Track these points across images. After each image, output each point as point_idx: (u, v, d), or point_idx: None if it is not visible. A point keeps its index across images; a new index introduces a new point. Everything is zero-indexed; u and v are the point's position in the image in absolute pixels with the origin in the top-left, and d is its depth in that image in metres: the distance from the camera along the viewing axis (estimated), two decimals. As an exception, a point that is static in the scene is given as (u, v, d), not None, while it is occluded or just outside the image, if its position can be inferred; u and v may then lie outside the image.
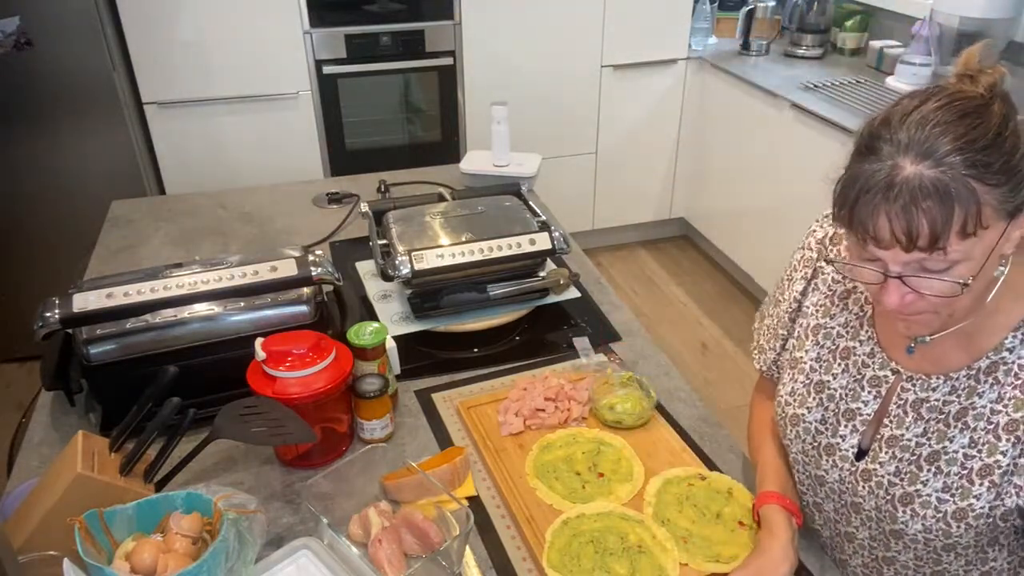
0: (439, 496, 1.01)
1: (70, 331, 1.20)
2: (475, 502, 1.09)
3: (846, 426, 0.99)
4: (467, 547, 1.01)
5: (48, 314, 1.13)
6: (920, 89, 0.81)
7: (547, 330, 1.48)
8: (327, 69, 2.87)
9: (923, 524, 0.91)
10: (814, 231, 1.07)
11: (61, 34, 2.47)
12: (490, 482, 1.13)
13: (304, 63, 2.84)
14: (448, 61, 3.00)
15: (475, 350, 1.42)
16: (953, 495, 0.89)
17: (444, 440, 1.21)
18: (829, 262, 0.85)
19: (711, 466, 1.15)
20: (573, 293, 1.52)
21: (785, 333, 1.11)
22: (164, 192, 2.89)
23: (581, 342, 1.43)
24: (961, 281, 0.77)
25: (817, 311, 1.05)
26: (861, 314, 1.00)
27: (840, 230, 0.81)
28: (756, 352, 1.18)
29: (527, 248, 1.42)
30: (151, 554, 0.86)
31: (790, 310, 1.09)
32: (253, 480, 1.14)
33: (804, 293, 1.07)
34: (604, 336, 1.46)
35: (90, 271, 1.69)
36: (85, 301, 1.15)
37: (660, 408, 1.27)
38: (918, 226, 0.74)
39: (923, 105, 0.78)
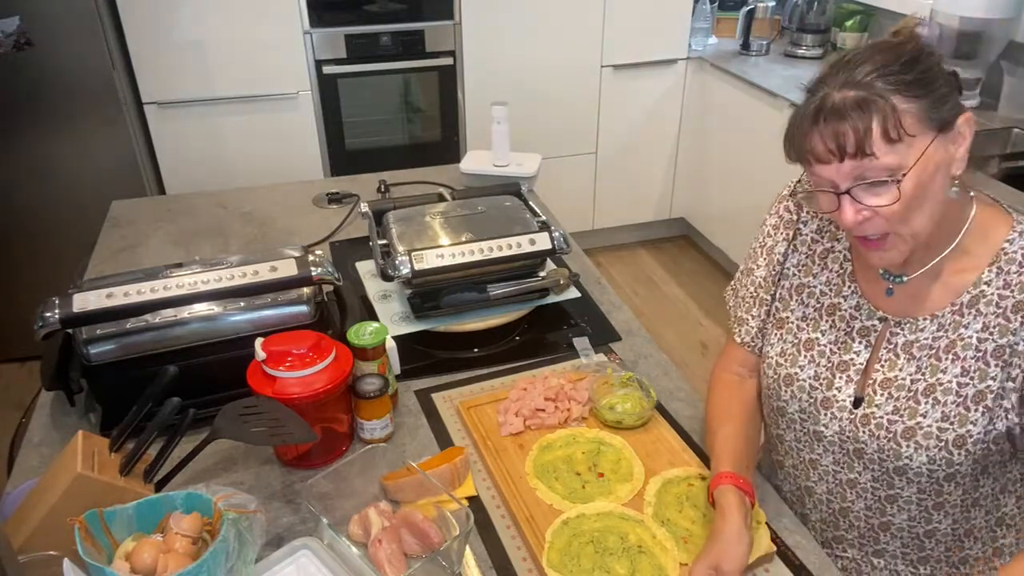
0: (439, 496, 1.01)
1: (70, 331, 1.20)
2: (475, 502, 1.09)
3: (840, 377, 1.04)
4: (467, 547, 1.01)
5: (48, 314, 1.13)
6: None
7: (547, 330, 1.48)
8: (327, 69, 2.88)
9: (927, 455, 0.97)
10: (789, 195, 1.13)
11: (61, 34, 2.48)
12: (490, 482, 1.13)
13: (304, 63, 2.84)
14: (448, 61, 3.00)
15: (475, 350, 1.42)
16: (952, 423, 0.95)
17: (444, 440, 1.21)
18: (793, 194, 0.97)
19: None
20: (573, 293, 1.52)
21: (769, 298, 1.14)
22: (164, 192, 2.89)
23: (581, 342, 1.43)
24: (896, 179, 0.85)
25: (799, 271, 1.11)
26: (842, 271, 1.06)
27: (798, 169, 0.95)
28: (736, 326, 1.20)
29: (527, 248, 1.42)
30: (151, 554, 0.86)
31: (773, 273, 1.13)
32: (253, 480, 1.14)
33: (786, 255, 1.12)
34: (604, 336, 1.46)
35: (90, 271, 1.69)
36: (85, 301, 1.15)
37: (660, 408, 1.27)
38: (844, 135, 0.84)
39: (850, 53, 0.90)
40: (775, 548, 1.02)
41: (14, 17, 2.40)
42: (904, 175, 0.85)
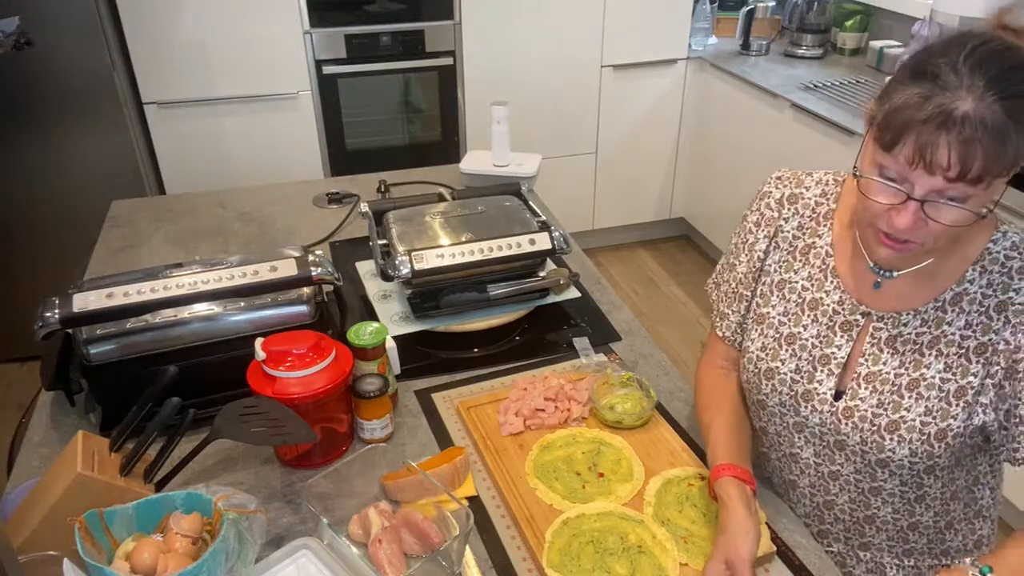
0: (439, 496, 1.01)
1: (70, 331, 1.20)
2: (475, 502, 1.09)
3: (822, 371, 1.04)
4: (467, 547, 1.01)
5: (48, 314, 1.13)
6: (970, 30, 0.85)
7: (547, 330, 1.48)
8: (327, 69, 2.88)
9: (909, 448, 0.98)
10: (770, 192, 1.12)
11: (61, 34, 2.48)
12: (490, 482, 1.13)
13: (304, 63, 2.84)
14: (448, 61, 3.00)
15: (475, 350, 1.42)
16: (934, 417, 0.97)
17: (444, 440, 1.21)
18: (858, 176, 0.89)
19: (711, 466, 1.15)
20: (573, 293, 1.52)
21: (749, 294, 1.14)
22: (164, 192, 2.89)
23: (581, 342, 1.43)
24: (977, 211, 0.83)
25: (780, 268, 1.10)
26: (824, 266, 1.06)
27: (881, 151, 0.85)
28: (718, 319, 1.20)
29: (527, 248, 1.42)
30: (151, 554, 0.86)
31: (753, 270, 1.13)
32: (253, 480, 1.14)
33: (767, 252, 1.12)
34: (604, 336, 1.46)
35: (90, 271, 1.69)
36: (85, 301, 1.15)
37: (660, 408, 1.27)
38: (973, 159, 0.79)
39: (982, 46, 0.81)
40: (775, 548, 1.02)
41: (14, 17, 2.40)
42: (977, 203, 0.83)
